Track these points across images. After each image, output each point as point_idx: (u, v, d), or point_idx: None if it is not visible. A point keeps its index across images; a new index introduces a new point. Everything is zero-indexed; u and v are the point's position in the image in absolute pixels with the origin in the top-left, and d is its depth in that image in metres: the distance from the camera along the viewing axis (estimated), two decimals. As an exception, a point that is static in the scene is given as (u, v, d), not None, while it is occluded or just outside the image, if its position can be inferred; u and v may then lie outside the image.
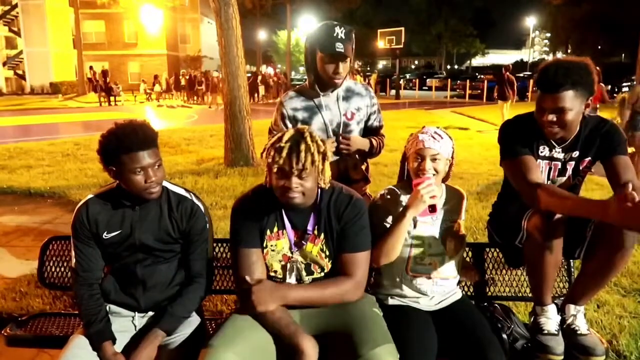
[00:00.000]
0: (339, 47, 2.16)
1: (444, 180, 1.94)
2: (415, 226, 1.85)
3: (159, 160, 1.71)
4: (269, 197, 1.71)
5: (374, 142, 2.42)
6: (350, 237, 1.70)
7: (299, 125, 1.84)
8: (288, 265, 1.74)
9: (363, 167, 2.52)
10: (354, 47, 2.27)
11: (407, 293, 1.86)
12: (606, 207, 1.47)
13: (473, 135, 11.35)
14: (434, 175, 1.81)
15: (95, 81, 25.03)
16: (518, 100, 19.34)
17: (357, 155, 2.42)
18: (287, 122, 2.35)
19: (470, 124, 13.95)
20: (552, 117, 1.86)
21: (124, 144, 1.63)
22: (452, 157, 1.90)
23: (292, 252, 1.73)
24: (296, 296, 1.65)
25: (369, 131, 2.48)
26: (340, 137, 2.31)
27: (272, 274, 1.75)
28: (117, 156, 1.65)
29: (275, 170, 1.59)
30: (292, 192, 1.60)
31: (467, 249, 2.21)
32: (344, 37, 2.17)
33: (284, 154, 1.57)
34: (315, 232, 1.72)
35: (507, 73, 12.72)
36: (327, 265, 1.74)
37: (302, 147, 1.57)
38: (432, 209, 1.77)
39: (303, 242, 1.73)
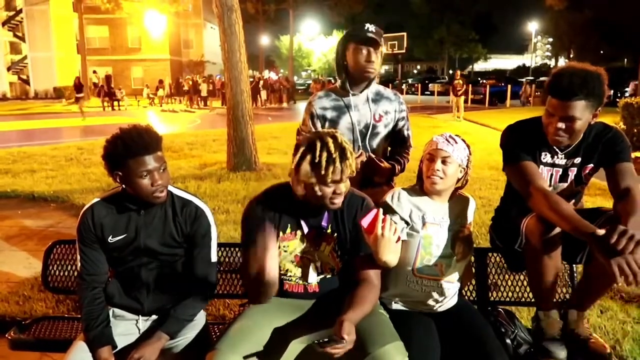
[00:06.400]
0: (370, 32, 2.21)
1: (460, 188, 1.94)
2: (424, 227, 1.84)
3: (164, 163, 1.73)
4: (281, 199, 1.74)
5: (396, 165, 2.35)
6: (364, 239, 1.70)
7: (326, 129, 1.84)
8: (310, 264, 1.74)
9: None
10: (383, 50, 2.31)
11: (411, 294, 1.86)
12: (593, 242, 1.56)
13: (475, 140, 11.32)
14: (441, 178, 1.82)
15: (100, 85, 25.21)
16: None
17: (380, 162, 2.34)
18: (317, 121, 2.35)
19: (472, 128, 13.94)
20: (561, 125, 1.85)
21: (130, 148, 1.64)
22: (467, 167, 1.88)
23: (306, 252, 1.74)
24: (357, 319, 1.58)
25: (396, 139, 2.43)
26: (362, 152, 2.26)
27: (283, 274, 1.75)
28: (123, 161, 1.66)
29: (329, 181, 1.59)
30: (340, 196, 1.65)
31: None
32: (374, 30, 2.24)
33: (338, 164, 1.58)
34: (329, 230, 1.74)
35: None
36: (338, 265, 1.76)
37: (348, 153, 1.62)
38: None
39: (318, 239, 1.74)
